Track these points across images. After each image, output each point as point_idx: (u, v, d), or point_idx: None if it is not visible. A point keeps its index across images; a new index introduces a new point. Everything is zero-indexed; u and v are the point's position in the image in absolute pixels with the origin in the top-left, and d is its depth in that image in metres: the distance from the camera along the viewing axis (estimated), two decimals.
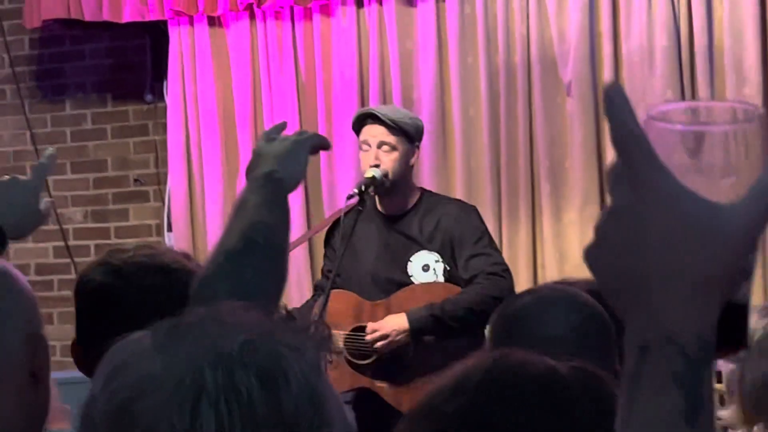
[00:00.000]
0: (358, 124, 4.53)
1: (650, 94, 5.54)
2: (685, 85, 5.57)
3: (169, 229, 6.54)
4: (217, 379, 1.07)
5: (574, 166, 5.73)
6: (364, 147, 4.48)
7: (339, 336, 4.38)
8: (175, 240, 6.41)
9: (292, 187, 1.97)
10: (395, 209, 4.54)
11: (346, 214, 4.40)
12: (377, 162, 4.41)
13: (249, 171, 2.00)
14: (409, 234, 4.48)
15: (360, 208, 4.36)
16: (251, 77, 6.21)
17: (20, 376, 1.63)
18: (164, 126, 6.54)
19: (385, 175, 4.41)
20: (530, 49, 5.77)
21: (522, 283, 5.31)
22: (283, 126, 2.10)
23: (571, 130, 5.73)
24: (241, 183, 6.17)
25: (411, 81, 5.97)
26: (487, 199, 5.74)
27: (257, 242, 1.84)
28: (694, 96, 5.57)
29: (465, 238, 4.42)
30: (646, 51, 5.58)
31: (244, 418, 1.07)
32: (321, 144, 2.12)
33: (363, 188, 4.35)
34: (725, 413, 2.38)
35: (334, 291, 4.38)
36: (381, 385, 4.40)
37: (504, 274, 4.38)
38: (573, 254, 5.73)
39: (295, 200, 6.10)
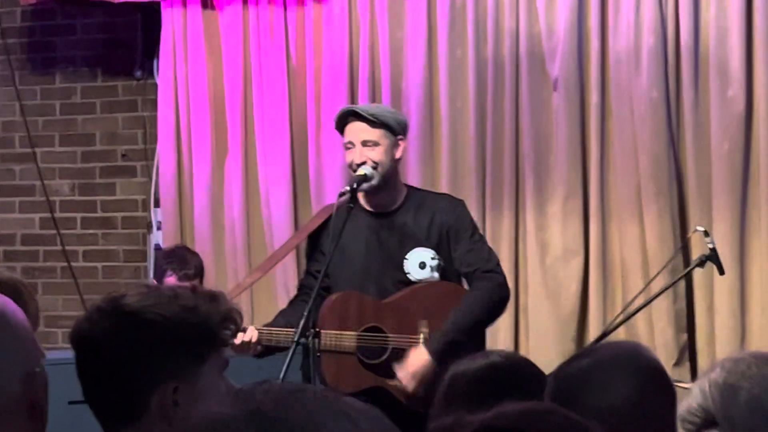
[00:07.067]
0: (341, 124, 4.55)
1: (636, 93, 5.59)
2: (670, 86, 5.62)
3: (156, 205, 6.59)
4: None
5: (558, 161, 5.79)
6: (349, 146, 4.51)
7: (351, 336, 4.41)
8: (162, 215, 6.47)
9: None
10: (385, 206, 4.56)
11: (337, 210, 4.43)
12: (363, 159, 4.45)
13: None
14: (404, 231, 4.51)
15: (351, 205, 4.37)
16: (242, 60, 6.24)
17: (18, 412, 1.70)
18: (153, 102, 6.57)
19: (375, 168, 4.45)
20: (519, 43, 5.82)
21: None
22: None
23: (557, 124, 5.79)
24: (230, 163, 6.23)
25: (400, 70, 6.01)
26: (471, 190, 5.80)
27: None
28: (678, 96, 5.63)
29: (460, 232, 4.50)
30: (632, 50, 5.62)
31: None
32: None
33: (356, 185, 4.38)
34: None
35: (338, 294, 4.46)
36: (394, 384, 4.43)
37: (497, 269, 4.51)
38: (554, 246, 5.80)
39: (282, 189, 6.15)
